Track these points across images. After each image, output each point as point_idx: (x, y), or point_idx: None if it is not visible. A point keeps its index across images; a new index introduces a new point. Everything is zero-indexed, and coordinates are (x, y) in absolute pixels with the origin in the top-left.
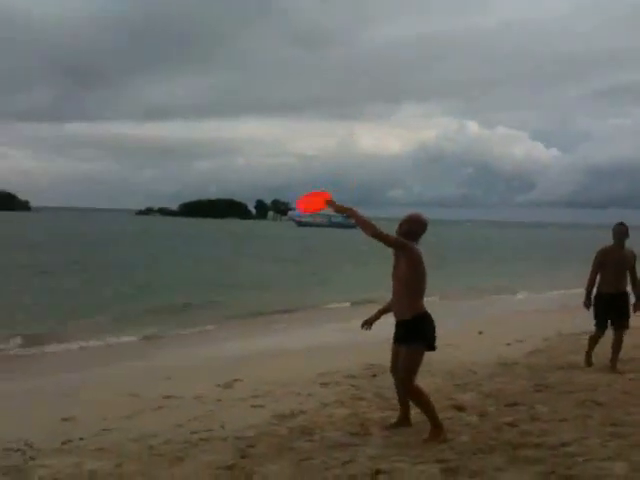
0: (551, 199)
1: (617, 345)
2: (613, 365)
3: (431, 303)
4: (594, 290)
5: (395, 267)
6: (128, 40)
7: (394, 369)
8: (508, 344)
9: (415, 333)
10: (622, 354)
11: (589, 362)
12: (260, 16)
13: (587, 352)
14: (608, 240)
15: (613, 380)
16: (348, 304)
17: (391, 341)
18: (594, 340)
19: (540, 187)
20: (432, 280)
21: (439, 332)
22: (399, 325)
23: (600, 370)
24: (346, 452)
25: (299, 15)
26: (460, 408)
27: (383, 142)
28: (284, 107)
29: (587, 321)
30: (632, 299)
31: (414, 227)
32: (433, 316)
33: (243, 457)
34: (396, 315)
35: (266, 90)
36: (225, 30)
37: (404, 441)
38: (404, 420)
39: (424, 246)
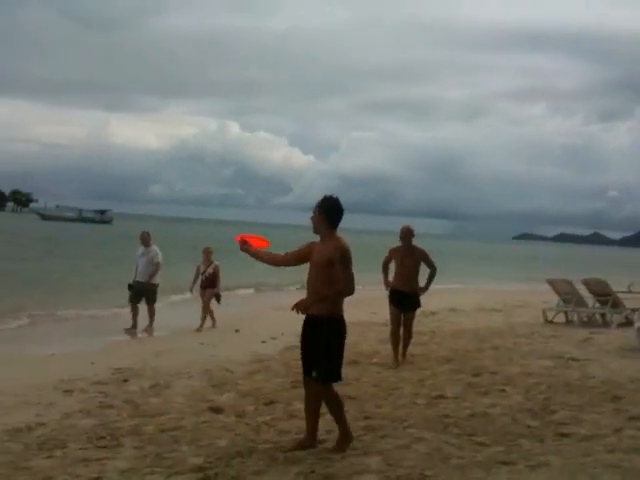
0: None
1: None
2: (403, 354)
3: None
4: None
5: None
6: None
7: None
8: (263, 342)
9: None
10: (366, 347)
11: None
12: None
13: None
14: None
15: (361, 374)
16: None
17: None
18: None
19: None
20: None
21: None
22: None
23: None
24: (92, 467)
25: None
26: (217, 410)
27: (143, 136)
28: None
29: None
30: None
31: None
32: None
33: None
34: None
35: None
36: None
37: (157, 451)
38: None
39: None
